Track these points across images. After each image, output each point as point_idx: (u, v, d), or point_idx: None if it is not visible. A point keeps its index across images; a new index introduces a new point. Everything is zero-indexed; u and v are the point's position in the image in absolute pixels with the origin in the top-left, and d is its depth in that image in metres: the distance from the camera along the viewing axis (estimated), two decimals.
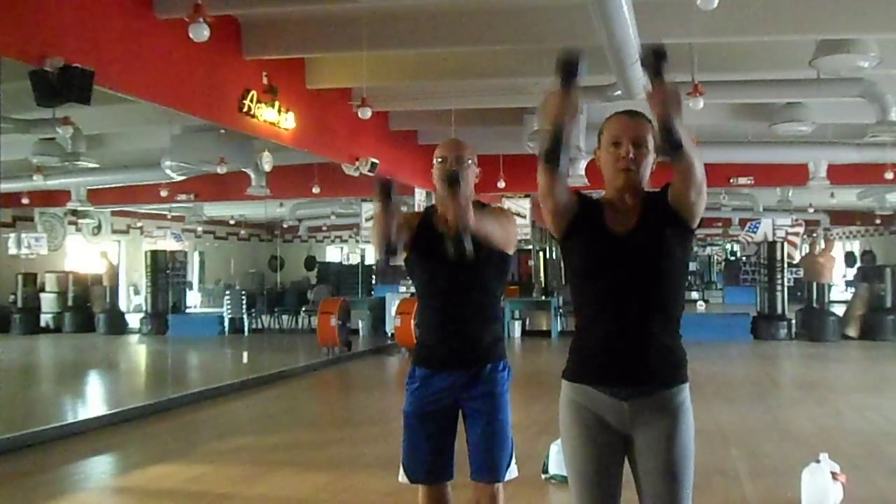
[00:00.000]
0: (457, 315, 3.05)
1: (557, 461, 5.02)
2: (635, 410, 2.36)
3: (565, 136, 2.26)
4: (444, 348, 3.06)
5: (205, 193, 15.12)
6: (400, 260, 2.97)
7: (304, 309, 16.84)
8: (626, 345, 2.36)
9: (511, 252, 3.12)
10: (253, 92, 8.69)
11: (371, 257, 21.45)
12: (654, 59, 2.14)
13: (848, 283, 22.13)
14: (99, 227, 17.23)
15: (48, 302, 16.37)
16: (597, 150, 2.48)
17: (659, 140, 2.24)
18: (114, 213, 17.25)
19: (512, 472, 3.07)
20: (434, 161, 3.09)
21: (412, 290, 14.25)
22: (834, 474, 4.53)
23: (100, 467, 6.34)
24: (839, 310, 15.71)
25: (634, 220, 2.41)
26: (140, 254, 17.08)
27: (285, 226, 20.93)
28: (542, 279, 18.95)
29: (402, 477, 3.10)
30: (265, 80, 8.85)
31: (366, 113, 8.90)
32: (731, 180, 14.92)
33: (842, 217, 25.01)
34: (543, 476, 5.11)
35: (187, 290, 18.06)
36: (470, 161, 3.06)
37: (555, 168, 2.31)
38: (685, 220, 2.40)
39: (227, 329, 15.95)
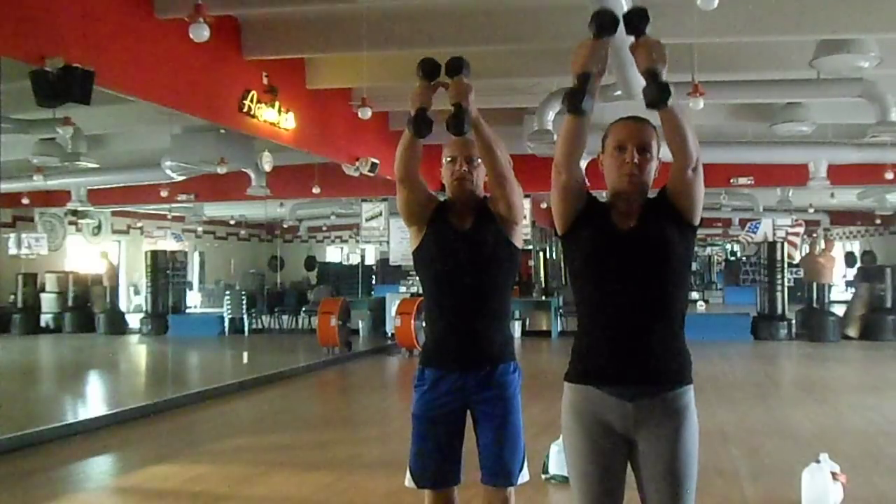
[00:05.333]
0: (467, 314, 2.97)
1: (557, 461, 5.02)
2: (639, 412, 2.35)
3: (591, 88, 2.24)
4: (454, 348, 2.98)
5: (205, 193, 15.12)
6: (425, 133, 2.82)
7: (304, 309, 16.85)
8: (631, 344, 2.36)
9: (518, 223, 3.03)
10: (253, 92, 8.69)
11: (371, 257, 21.50)
12: (637, 19, 2.21)
13: (848, 284, 22.14)
14: (99, 227, 17.26)
15: (48, 302, 16.40)
16: (600, 154, 2.48)
17: (646, 89, 2.20)
18: (114, 213, 17.29)
19: (524, 476, 3.01)
20: (443, 160, 3.05)
21: (413, 289, 14.25)
22: (834, 474, 4.53)
23: (100, 467, 6.34)
24: (839, 310, 15.72)
25: (635, 219, 2.42)
26: (140, 254, 17.11)
27: (285, 226, 20.96)
28: (543, 279, 18.96)
29: (408, 482, 3.05)
30: (265, 80, 8.86)
31: (366, 113, 8.90)
32: (731, 180, 14.91)
33: (842, 217, 25.03)
34: (543, 476, 5.11)
35: (187, 290, 18.08)
36: (479, 161, 3.03)
37: (579, 117, 2.27)
38: (685, 214, 2.39)
39: (227, 329, 15.95)
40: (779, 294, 15.03)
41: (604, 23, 2.23)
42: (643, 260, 2.37)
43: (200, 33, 6.59)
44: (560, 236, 2.50)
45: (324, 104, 10.26)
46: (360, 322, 14.98)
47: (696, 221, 2.42)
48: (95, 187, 14.02)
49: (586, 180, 2.46)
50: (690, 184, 2.36)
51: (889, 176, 12.85)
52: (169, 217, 18.14)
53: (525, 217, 15.41)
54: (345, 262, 24.08)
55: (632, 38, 2.25)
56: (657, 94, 2.18)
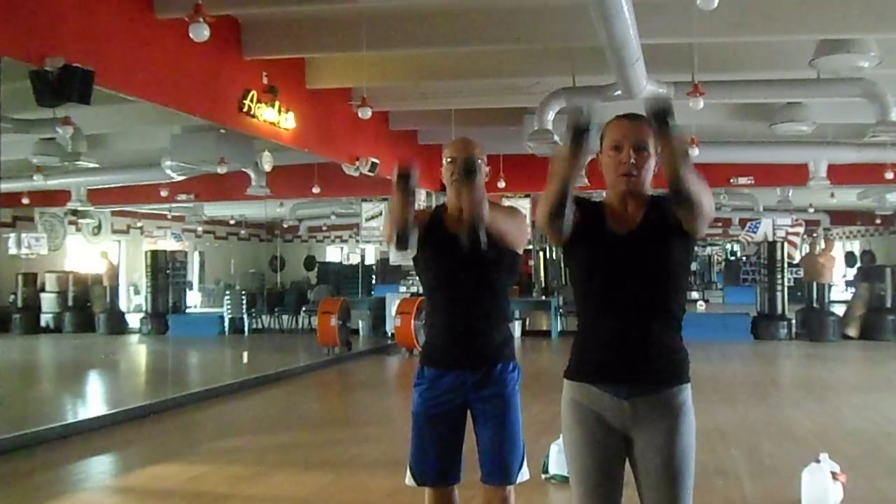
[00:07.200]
0: (466, 314, 2.99)
1: (557, 461, 5.02)
2: (636, 410, 2.36)
3: (570, 192, 2.32)
4: (453, 348, 3.00)
5: (205, 193, 15.12)
6: (412, 251, 2.94)
7: (304, 309, 16.83)
8: (628, 343, 2.37)
9: (521, 251, 3.10)
10: (253, 92, 8.69)
11: (371, 257, 21.49)
12: (660, 114, 2.20)
13: (848, 283, 22.12)
14: (99, 227, 17.23)
15: (48, 302, 16.38)
16: (598, 153, 2.48)
17: (673, 194, 2.27)
18: (114, 213, 17.25)
19: (524, 474, 3.02)
20: (444, 161, 3.06)
21: (413, 289, 14.25)
22: (834, 474, 4.53)
23: (100, 467, 6.34)
24: (839, 310, 15.71)
25: (637, 221, 2.42)
26: (140, 254, 17.09)
27: (285, 226, 20.93)
28: (542, 279, 18.96)
29: (408, 480, 3.05)
30: (265, 80, 8.86)
31: (366, 113, 8.90)
32: (731, 180, 14.92)
33: (842, 217, 25.02)
34: (543, 476, 5.11)
35: (187, 290, 18.06)
36: (480, 161, 3.02)
37: (559, 221, 2.35)
38: (688, 230, 2.40)
39: (227, 329, 15.94)
40: (779, 294, 15.02)
41: (580, 130, 2.24)
42: (641, 264, 2.38)
43: (200, 33, 6.59)
44: (559, 247, 2.52)
45: (324, 104, 10.26)
46: (360, 322, 14.97)
47: (699, 235, 2.44)
48: (95, 187, 14.00)
49: (572, 212, 2.44)
50: (698, 228, 2.39)
51: (889, 176, 12.84)
52: (169, 217, 18.12)
53: (525, 218, 15.49)
54: (345, 262, 24.04)
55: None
56: (678, 203, 2.28)
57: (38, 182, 12.53)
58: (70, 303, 16.47)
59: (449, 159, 3.04)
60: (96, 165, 11.65)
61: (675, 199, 2.26)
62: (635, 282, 2.37)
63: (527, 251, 18.17)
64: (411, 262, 3.22)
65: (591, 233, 2.43)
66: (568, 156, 2.29)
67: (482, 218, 2.79)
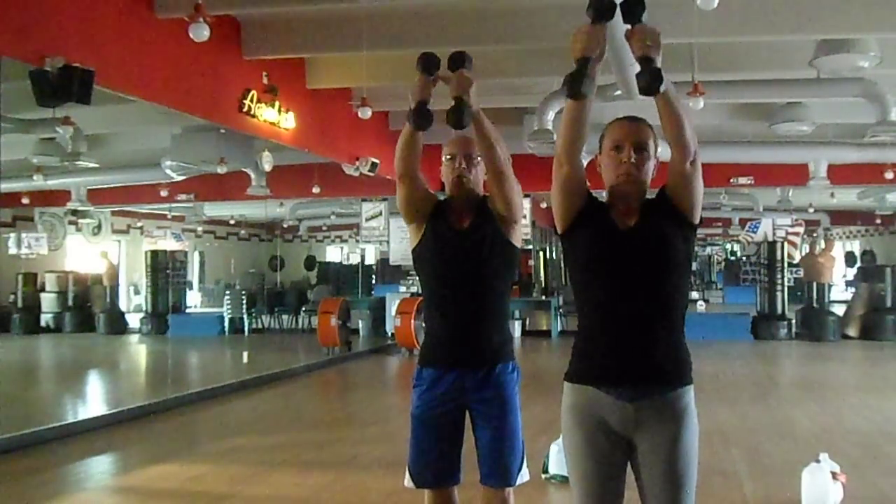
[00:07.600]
0: (466, 313, 2.96)
1: (557, 461, 5.02)
2: (639, 413, 2.34)
3: (590, 71, 2.25)
4: (452, 348, 2.97)
5: (205, 193, 15.11)
6: (425, 126, 2.81)
7: (304, 309, 16.84)
8: (631, 343, 2.35)
9: (517, 213, 3.01)
10: (253, 92, 8.69)
11: (371, 257, 21.49)
12: (633, 7, 2.21)
13: (848, 283, 22.13)
14: (99, 227, 17.23)
15: (48, 302, 16.38)
16: (598, 155, 2.48)
17: (640, 75, 2.20)
18: (114, 213, 17.25)
19: (523, 475, 3.00)
20: (443, 158, 3.04)
21: (413, 289, 14.25)
22: (834, 474, 4.53)
23: (100, 467, 6.34)
24: (839, 310, 15.71)
25: (636, 218, 2.41)
26: (140, 254, 17.08)
27: (285, 226, 20.94)
28: (542, 279, 18.96)
29: (407, 482, 3.03)
30: (265, 80, 8.86)
31: (366, 113, 8.90)
32: (731, 180, 14.91)
33: (842, 217, 25.03)
34: (543, 476, 5.11)
35: (187, 290, 18.07)
36: (479, 159, 3.02)
37: (581, 101, 2.28)
38: (685, 212, 2.38)
39: (227, 329, 15.95)
40: (779, 294, 15.03)
41: (601, 8, 2.23)
42: (643, 258, 2.36)
43: (200, 33, 6.60)
44: (560, 235, 2.49)
45: (324, 104, 10.26)
46: (360, 322, 14.97)
47: (696, 220, 2.41)
48: (95, 187, 14.00)
49: (585, 179, 2.45)
50: (689, 179, 2.34)
51: (889, 176, 12.84)
52: (169, 217, 18.12)
53: (525, 217, 15.51)
54: (345, 262, 24.05)
55: (628, 26, 2.25)
56: (650, 79, 2.19)
57: (38, 182, 12.52)
58: (70, 303, 16.48)
59: (448, 156, 3.04)
60: (96, 165, 11.65)
61: (649, 79, 2.17)
62: (637, 277, 2.35)
63: (526, 251, 18.18)
64: (411, 263, 3.20)
65: (593, 224, 2.42)
66: (587, 28, 2.22)
67: (468, 90, 2.69)
